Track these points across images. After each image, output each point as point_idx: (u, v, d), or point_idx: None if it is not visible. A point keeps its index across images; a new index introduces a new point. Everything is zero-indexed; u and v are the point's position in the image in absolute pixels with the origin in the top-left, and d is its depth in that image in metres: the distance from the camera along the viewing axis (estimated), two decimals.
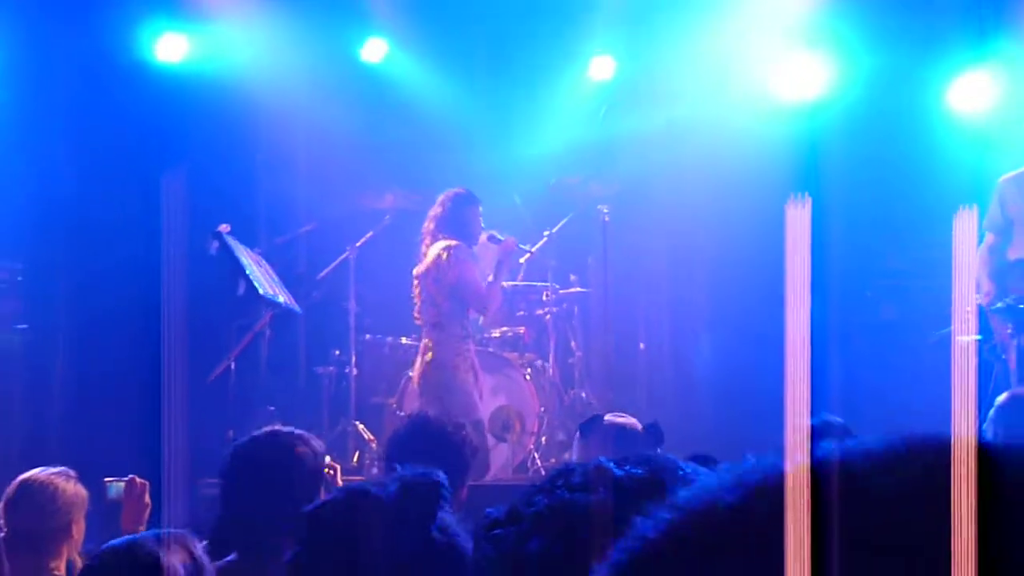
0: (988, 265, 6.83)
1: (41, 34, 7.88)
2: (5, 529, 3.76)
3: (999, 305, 6.59)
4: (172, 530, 2.85)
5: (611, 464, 1.38)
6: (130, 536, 2.69)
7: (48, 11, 7.84)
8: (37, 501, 3.84)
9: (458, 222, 7.27)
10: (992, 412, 4.67)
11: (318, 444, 3.62)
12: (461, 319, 7.30)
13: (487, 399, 7.56)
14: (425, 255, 7.27)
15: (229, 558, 3.29)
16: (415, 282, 7.33)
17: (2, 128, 7.61)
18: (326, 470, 3.69)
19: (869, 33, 8.24)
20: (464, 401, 7.07)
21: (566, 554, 1.28)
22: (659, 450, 4.12)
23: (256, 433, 3.62)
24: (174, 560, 2.49)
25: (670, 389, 8.63)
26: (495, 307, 7.41)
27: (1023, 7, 8.01)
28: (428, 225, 7.32)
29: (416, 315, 7.43)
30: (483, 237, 7.41)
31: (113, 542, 2.63)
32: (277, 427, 3.71)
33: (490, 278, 7.24)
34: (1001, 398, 4.77)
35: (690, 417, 7.93)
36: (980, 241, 6.90)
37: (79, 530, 3.95)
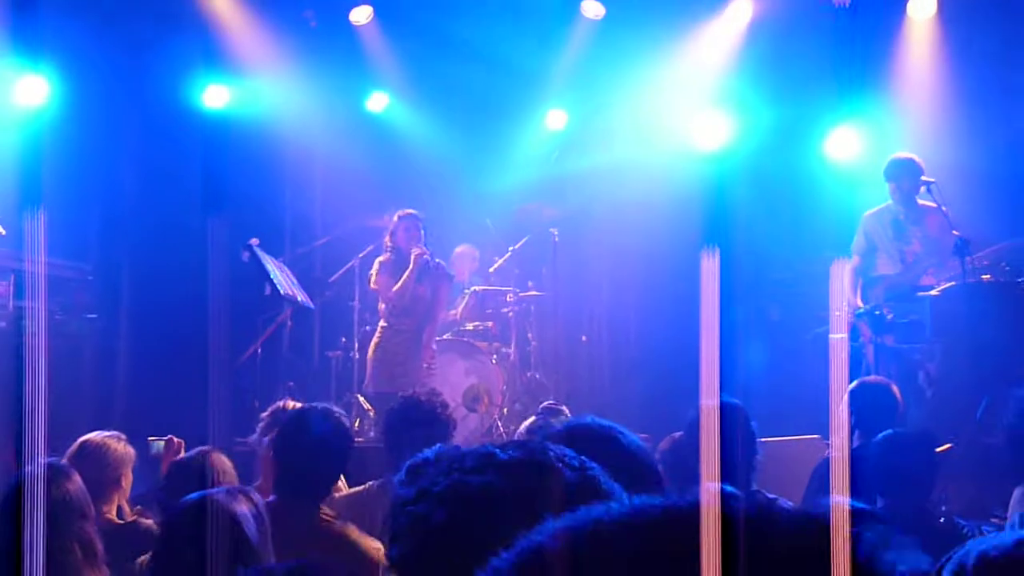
0: (854, 281, 6.90)
1: (114, 80, 7.85)
2: None
3: (861, 311, 6.66)
4: (237, 486, 2.90)
5: (495, 448, 1.30)
6: (200, 492, 2.61)
7: (120, 63, 7.83)
8: (93, 457, 3.81)
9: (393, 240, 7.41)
10: (847, 395, 4.72)
11: (347, 419, 3.57)
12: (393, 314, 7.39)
13: (462, 378, 7.62)
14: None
15: (270, 499, 3.28)
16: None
17: (78, 154, 7.45)
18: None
19: (763, 94, 8.16)
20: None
21: (465, 525, 1.21)
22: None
23: (308, 405, 3.60)
24: (243, 509, 2.50)
25: (606, 372, 8.73)
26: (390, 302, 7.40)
27: (879, 79, 8.12)
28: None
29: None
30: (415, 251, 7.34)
31: (189, 496, 2.58)
32: (326, 405, 3.62)
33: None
34: (853, 384, 4.85)
35: (621, 394, 8.02)
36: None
37: (127, 482, 3.95)
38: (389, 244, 7.46)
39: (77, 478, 2.97)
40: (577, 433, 1.93)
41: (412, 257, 7.28)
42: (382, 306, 7.51)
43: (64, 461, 3.71)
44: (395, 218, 7.45)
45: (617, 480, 1.30)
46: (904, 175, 6.80)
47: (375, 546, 3.14)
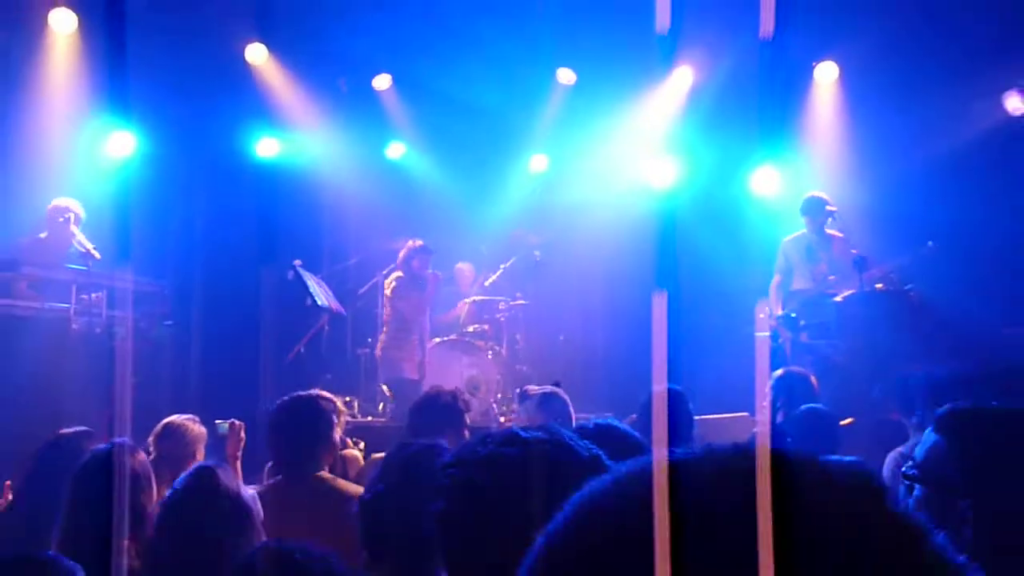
0: (776, 294, 6.93)
1: (186, 133, 7.83)
2: (154, 453, 3.65)
3: (781, 316, 6.68)
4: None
5: (519, 430, 1.29)
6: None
7: (191, 119, 7.80)
8: (174, 436, 3.77)
9: (405, 262, 7.50)
10: (771, 381, 4.72)
11: (333, 403, 3.40)
12: (395, 323, 7.42)
13: (464, 370, 7.59)
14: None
15: (278, 478, 3.27)
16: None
17: (158, 194, 7.51)
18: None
19: (702, 141, 8.14)
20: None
21: (498, 487, 1.20)
22: (571, 407, 4.06)
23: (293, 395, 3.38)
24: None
25: (579, 364, 8.61)
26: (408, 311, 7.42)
27: (794, 129, 8.20)
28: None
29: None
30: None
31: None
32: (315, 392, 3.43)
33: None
34: (777, 372, 4.89)
35: (589, 382, 7.94)
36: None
37: (200, 457, 3.85)
38: (403, 265, 7.50)
39: (142, 455, 2.92)
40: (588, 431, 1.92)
41: (428, 278, 7.38)
42: (388, 311, 7.50)
43: (149, 438, 3.76)
44: (409, 246, 7.49)
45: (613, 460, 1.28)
46: (815, 210, 6.82)
47: (357, 490, 3.06)
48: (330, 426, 3.27)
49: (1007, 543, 1.46)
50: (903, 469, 1.63)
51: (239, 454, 3.88)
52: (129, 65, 6.05)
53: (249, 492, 2.60)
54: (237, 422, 4.01)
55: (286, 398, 3.35)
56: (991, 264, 7.13)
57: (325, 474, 3.24)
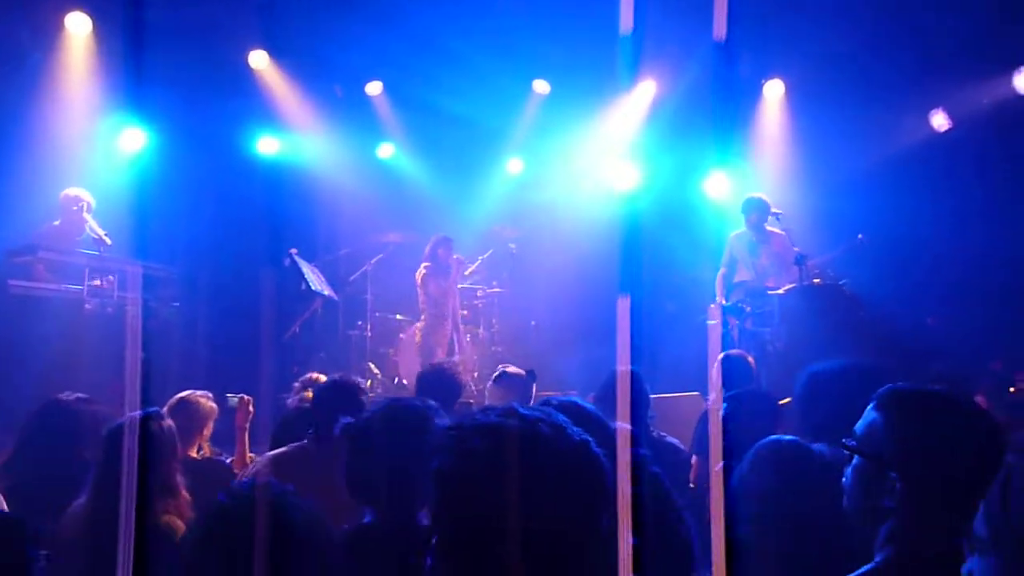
0: (722, 285, 6.93)
1: (193, 131, 7.65)
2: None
3: (729, 305, 6.72)
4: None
5: (517, 405, 1.27)
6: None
7: (198, 118, 7.66)
8: (187, 410, 3.68)
9: (432, 253, 7.47)
10: (717, 363, 4.76)
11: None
12: (431, 308, 7.41)
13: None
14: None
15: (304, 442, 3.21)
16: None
17: (167, 186, 7.28)
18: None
19: (662, 149, 8.17)
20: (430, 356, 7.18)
21: (494, 451, 1.18)
22: (534, 385, 4.04)
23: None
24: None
25: (549, 347, 8.55)
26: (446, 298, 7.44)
27: (744, 138, 8.27)
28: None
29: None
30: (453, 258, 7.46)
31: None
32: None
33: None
34: (720, 355, 4.87)
35: (558, 363, 7.87)
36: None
37: (209, 430, 3.81)
38: (430, 256, 7.48)
39: (170, 422, 2.88)
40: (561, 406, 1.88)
41: (453, 263, 7.41)
42: (422, 298, 7.46)
43: (164, 409, 3.63)
44: (433, 239, 7.51)
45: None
46: (754, 210, 6.81)
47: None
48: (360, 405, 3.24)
49: (926, 512, 1.49)
50: (843, 440, 1.65)
51: (247, 425, 3.93)
52: (141, 66, 5.96)
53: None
54: (246, 396, 4.04)
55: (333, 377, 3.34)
56: (916, 261, 7.23)
57: None
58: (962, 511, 1.41)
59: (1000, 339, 6.61)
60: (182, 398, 3.75)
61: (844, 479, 1.64)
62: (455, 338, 7.44)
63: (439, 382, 3.70)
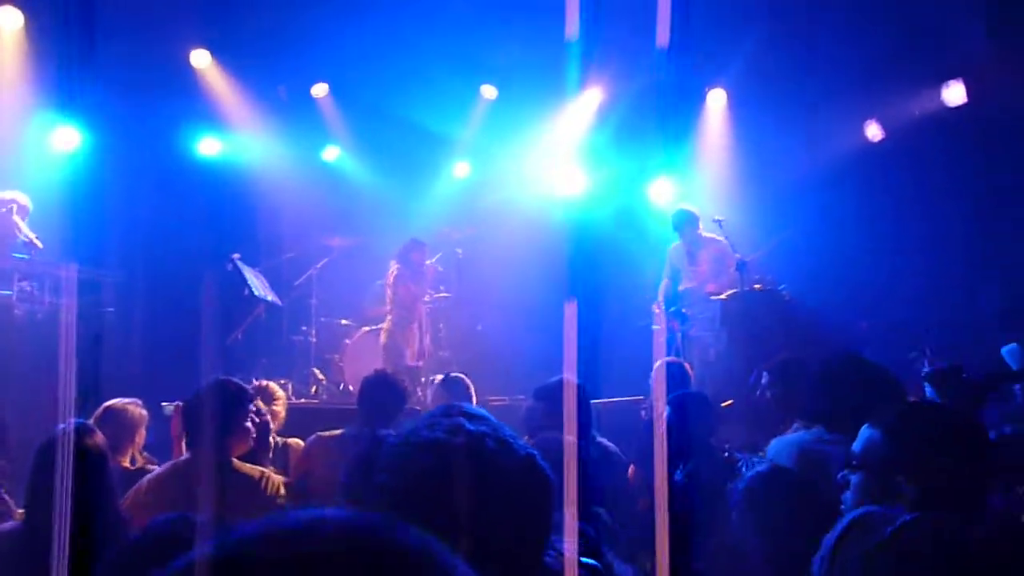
0: (665, 293, 7.03)
1: (131, 131, 7.44)
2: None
3: (671, 311, 6.79)
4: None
5: (463, 420, 1.22)
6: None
7: (136, 118, 7.43)
8: (115, 419, 3.58)
9: (404, 256, 7.41)
10: (660, 371, 4.80)
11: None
12: (398, 310, 7.33)
13: None
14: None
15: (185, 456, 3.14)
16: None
17: (102, 187, 7.01)
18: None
19: (607, 155, 8.22)
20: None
21: (438, 470, 1.16)
22: (472, 390, 3.98)
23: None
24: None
25: (493, 351, 8.59)
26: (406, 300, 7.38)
27: (687, 145, 8.36)
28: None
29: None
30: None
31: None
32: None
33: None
34: (658, 363, 5.00)
35: (503, 368, 7.92)
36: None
37: (140, 438, 3.73)
38: (402, 258, 7.39)
39: (100, 435, 2.75)
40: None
41: (427, 269, 7.33)
42: (389, 299, 7.37)
43: (91, 421, 3.50)
44: (407, 242, 7.43)
45: None
46: (684, 222, 6.89)
47: (258, 471, 2.99)
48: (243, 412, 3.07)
49: (933, 505, 1.69)
50: (841, 475, 1.87)
51: (184, 434, 3.69)
52: (75, 62, 5.78)
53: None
54: (182, 404, 3.87)
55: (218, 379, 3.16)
56: (851, 266, 7.40)
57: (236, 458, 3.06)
58: (965, 502, 1.68)
59: (928, 341, 6.85)
60: (109, 407, 3.65)
61: (843, 505, 1.84)
62: (423, 342, 7.36)
63: (383, 390, 3.66)
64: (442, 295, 8.28)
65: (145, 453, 3.94)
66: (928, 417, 1.86)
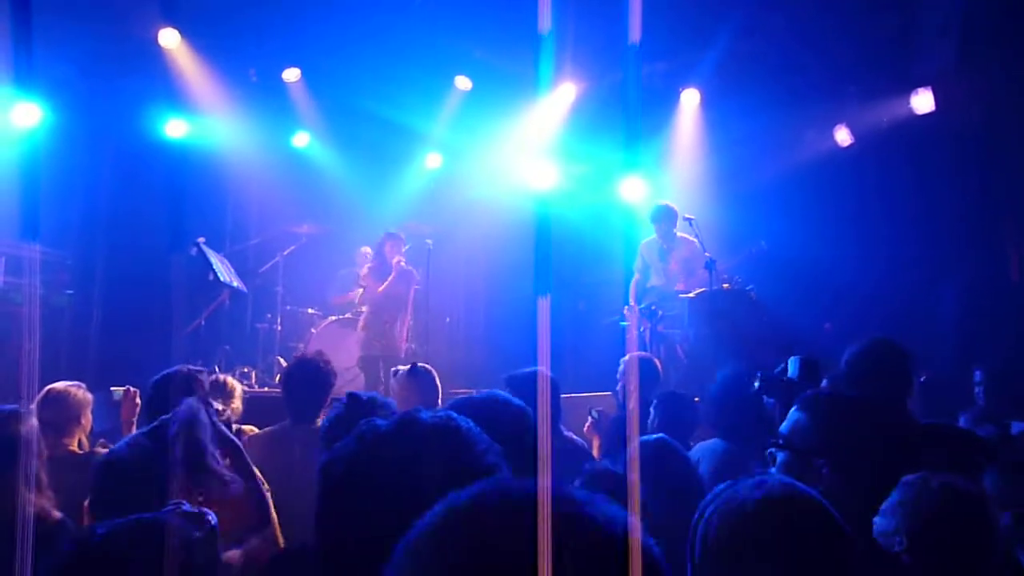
0: (635, 289, 7.01)
1: (95, 109, 7.33)
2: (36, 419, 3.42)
3: (642, 307, 6.78)
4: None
5: (419, 414, 1.18)
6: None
7: (100, 96, 7.31)
8: (56, 402, 3.49)
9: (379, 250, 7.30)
10: (621, 366, 4.82)
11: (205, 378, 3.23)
12: (371, 306, 7.22)
13: (357, 347, 7.29)
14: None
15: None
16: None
17: (63, 166, 6.98)
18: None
19: (579, 151, 8.23)
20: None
21: (391, 463, 1.11)
22: (438, 380, 3.90)
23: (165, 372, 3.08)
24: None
25: (462, 344, 8.71)
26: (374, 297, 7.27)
27: (660, 143, 8.40)
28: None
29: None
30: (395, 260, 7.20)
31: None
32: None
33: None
34: (625, 358, 4.97)
35: (471, 360, 8.01)
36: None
37: (87, 421, 3.62)
38: (377, 249, 7.25)
39: (32, 421, 2.64)
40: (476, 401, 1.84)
41: (393, 264, 7.12)
42: (360, 298, 7.26)
43: (31, 405, 3.38)
44: (384, 234, 7.24)
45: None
46: (662, 218, 6.92)
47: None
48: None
49: (853, 488, 1.79)
50: (769, 450, 1.95)
51: (134, 419, 3.67)
52: (35, 37, 5.61)
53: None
54: (132, 388, 3.79)
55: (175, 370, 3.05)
56: (817, 268, 7.47)
57: None
58: (878, 489, 1.76)
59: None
60: (51, 389, 3.55)
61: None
62: (399, 333, 7.29)
63: (310, 375, 3.55)
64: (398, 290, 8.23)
65: (103, 440, 3.81)
66: (854, 408, 1.97)
